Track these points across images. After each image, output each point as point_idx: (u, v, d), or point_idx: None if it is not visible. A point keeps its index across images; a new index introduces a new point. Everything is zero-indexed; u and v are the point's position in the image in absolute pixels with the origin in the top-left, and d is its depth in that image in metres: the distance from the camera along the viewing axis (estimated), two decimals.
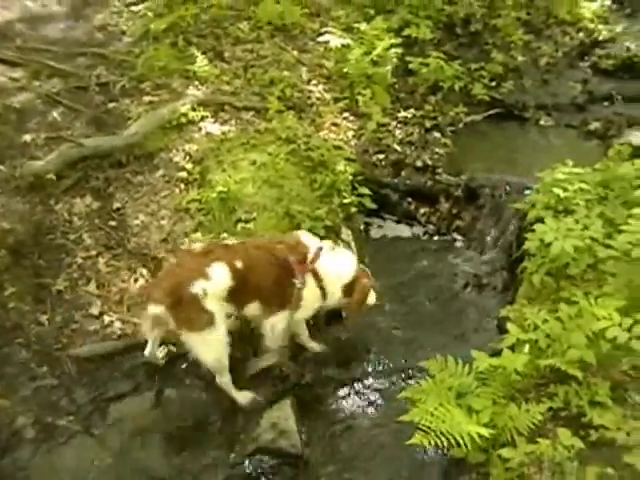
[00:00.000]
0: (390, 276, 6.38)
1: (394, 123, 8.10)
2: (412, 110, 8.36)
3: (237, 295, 4.77)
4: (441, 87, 8.80)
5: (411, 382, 5.15)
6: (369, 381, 5.31)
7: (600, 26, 11.54)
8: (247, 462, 4.63)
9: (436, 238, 7.25)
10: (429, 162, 7.72)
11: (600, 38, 11.36)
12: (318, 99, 7.73)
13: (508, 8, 10.52)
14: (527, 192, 6.45)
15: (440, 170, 7.66)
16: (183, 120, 6.65)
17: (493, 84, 9.32)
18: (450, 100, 8.86)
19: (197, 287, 4.55)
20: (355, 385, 5.27)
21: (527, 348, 4.53)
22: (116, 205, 6.16)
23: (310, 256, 4.99)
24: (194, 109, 6.78)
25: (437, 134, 8.31)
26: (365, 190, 6.65)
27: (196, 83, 7.28)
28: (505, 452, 4.09)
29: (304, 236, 5.18)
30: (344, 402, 5.14)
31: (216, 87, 7.37)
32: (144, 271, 5.66)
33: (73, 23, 8.72)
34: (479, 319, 5.96)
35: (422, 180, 7.52)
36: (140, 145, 6.53)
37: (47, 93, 7.20)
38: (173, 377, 5.18)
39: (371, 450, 4.73)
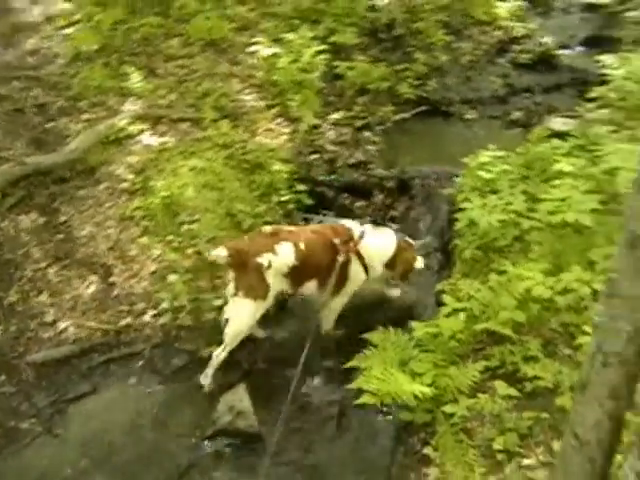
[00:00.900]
0: None
1: (326, 125, 8.46)
2: (342, 112, 8.74)
3: (297, 273, 5.22)
4: (369, 89, 9.20)
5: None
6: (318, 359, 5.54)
7: (516, 24, 12.08)
8: (208, 444, 4.82)
9: None
10: (362, 159, 8.09)
11: (516, 35, 11.88)
12: (251, 107, 8.04)
13: (428, 12, 10.98)
14: (455, 179, 6.83)
15: (373, 166, 8.03)
16: (122, 134, 6.90)
17: (418, 83, 9.73)
18: (378, 101, 9.24)
19: (264, 258, 5.02)
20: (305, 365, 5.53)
21: (463, 316, 4.89)
22: (62, 219, 6.35)
23: (354, 238, 5.44)
24: (132, 123, 7.02)
25: (368, 133, 8.68)
26: (302, 187, 6.97)
27: (132, 99, 7.54)
28: (448, 408, 4.43)
29: (349, 223, 5.65)
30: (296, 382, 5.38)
31: (152, 102, 7.63)
32: (94, 278, 5.88)
33: (3, 50, 8.90)
34: (419, 297, 6.27)
35: (356, 176, 7.85)
36: (81, 160, 6.76)
37: None
38: (130, 375, 5.34)
39: (324, 422, 4.99)
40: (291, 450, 4.81)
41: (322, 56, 8.52)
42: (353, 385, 4.54)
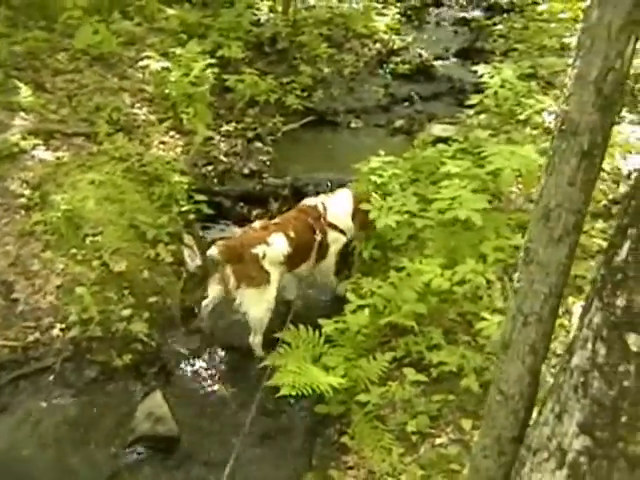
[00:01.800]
0: None
1: (218, 137, 8.61)
2: (233, 124, 8.93)
3: (292, 258, 5.72)
4: (257, 101, 9.42)
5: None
6: (232, 362, 5.74)
7: (394, 37, 12.61)
8: (128, 452, 4.84)
9: None
10: (255, 169, 8.30)
11: (395, 47, 12.41)
12: (144, 121, 8.08)
13: (310, 26, 11.34)
14: (347, 185, 7.08)
15: (266, 175, 8.26)
16: (15, 149, 6.79)
17: (305, 94, 10.04)
18: (267, 112, 9.49)
19: (258, 249, 5.47)
20: (217, 369, 5.67)
21: (367, 312, 5.15)
22: None
23: (322, 213, 6.02)
24: (25, 138, 6.94)
25: (259, 144, 8.90)
26: (201, 197, 7.07)
27: (22, 114, 7.43)
28: (362, 397, 4.67)
29: (308, 201, 6.27)
30: (212, 385, 5.52)
31: (43, 116, 7.55)
32: None
33: None
34: (322, 297, 6.52)
35: (251, 185, 8.06)
36: None
37: None
38: (41, 390, 5.25)
39: (241, 422, 5.10)
40: (210, 450, 4.91)
41: (211, 70, 8.65)
42: (271, 382, 4.71)
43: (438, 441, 4.38)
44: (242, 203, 7.86)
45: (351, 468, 4.40)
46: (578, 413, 2.07)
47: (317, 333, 5.16)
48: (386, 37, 12.56)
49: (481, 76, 7.83)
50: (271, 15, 11.81)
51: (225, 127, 8.80)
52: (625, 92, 4.89)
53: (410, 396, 4.65)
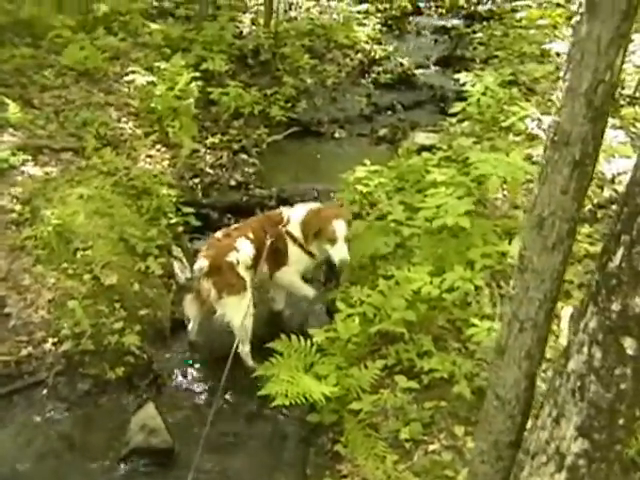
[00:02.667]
0: None
1: (204, 149, 8.67)
2: (219, 136, 8.98)
3: (255, 260, 5.72)
4: (242, 113, 9.50)
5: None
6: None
7: (375, 46, 12.74)
8: (122, 465, 4.83)
9: None
10: (241, 180, 8.38)
11: (376, 57, 12.54)
12: (131, 135, 8.11)
13: (292, 37, 11.43)
14: (333, 195, 7.16)
15: (252, 186, 8.32)
16: (4, 166, 6.80)
17: (288, 105, 10.13)
18: (252, 124, 9.57)
19: (232, 257, 5.53)
20: (208, 380, 5.68)
21: (357, 320, 5.20)
22: None
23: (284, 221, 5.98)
24: (14, 154, 6.95)
25: (244, 155, 8.98)
26: (189, 209, 7.12)
27: (10, 130, 7.44)
28: (354, 405, 4.69)
29: (283, 208, 6.29)
30: (204, 395, 5.56)
31: (32, 132, 7.56)
32: None
33: None
34: (311, 308, 6.55)
35: (237, 197, 8.11)
36: None
37: None
38: (35, 404, 5.23)
39: (234, 432, 5.15)
40: (205, 461, 4.91)
41: (195, 83, 8.69)
42: (263, 391, 4.75)
43: (431, 448, 4.41)
44: (229, 214, 7.90)
45: (345, 477, 4.41)
46: (576, 416, 2.13)
47: (308, 342, 5.19)
48: (367, 47, 12.70)
49: (463, 84, 7.92)
50: (253, 28, 11.93)
51: (210, 139, 8.84)
52: None
53: (402, 403, 4.68)
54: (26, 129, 7.58)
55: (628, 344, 1.95)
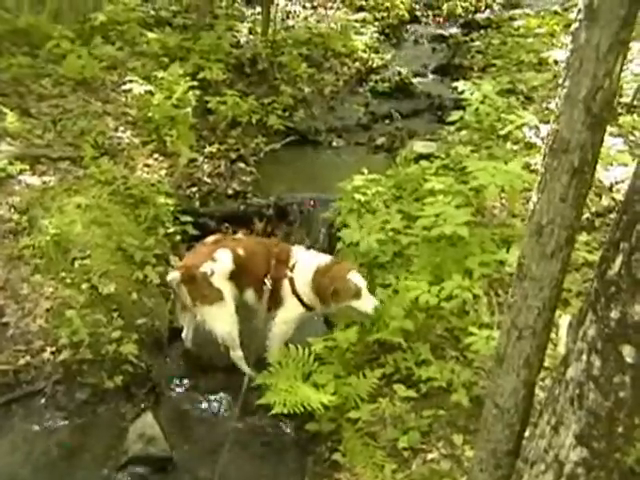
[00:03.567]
0: None
1: (202, 158, 8.64)
2: (216, 145, 8.97)
3: (237, 278, 5.52)
4: (239, 122, 9.49)
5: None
6: (220, 383, 5.74)
7: (372, 55, 12.79)
8: (121, 474, 4.82)
9: None
10: (238, 189, 8.37)
11: (374, 65, 12.60)
12: (128, 144, 8.10)
13: (289, 46, 11.45)
14: (331, 204, 7.16)
15: (250, 195, 8.32)
16: (2, 175, 6.79)
17: (286, 114, 10.15)
18: (249, 133, 9.58)
19: (206, 267, 5.37)
20: (206, 389, 5.70)
21: (355, 329, 5.19)
22: None
23: (291, 263, 5.56)
24: (11, 163, 6.95)
25: (242, 164, 8.97)
26: (187, 218, 7.12)
27: (8, 139, 7.44)
28: (352, 414, 4.70)
29: (297, 248, 5.82)
30: (202, 404, 5.56)
31: (29, 142, 7.56)
32: None
33: None
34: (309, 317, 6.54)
35: (235, 206, 8.10)
36: None
37: None
38: (33, 413, 5.23)
39: (232, 440, 5.15)
40: (203, 469, 4.90)
41: (193, 92, 8.69)
42: (262, 400, 4.75)
43: (430, 456, 4.41)
44: (227, 223, 7.88)
45: None
46: (574, 425, 2.12)
47: (307, 351, 5.19)
48: (365, 56, 12.74)
49: (461, 92, 7.92)
50: (251, 37, 11.95)
51: (208, 148, 8.84)
52: None
53: (400, 412, 4.70)
54: (24, 138, 7.58)
55: (627, 352, 1.95)
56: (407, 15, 15.73)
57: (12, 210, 6.53)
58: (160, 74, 8.86)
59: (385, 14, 15.22)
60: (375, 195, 6.57)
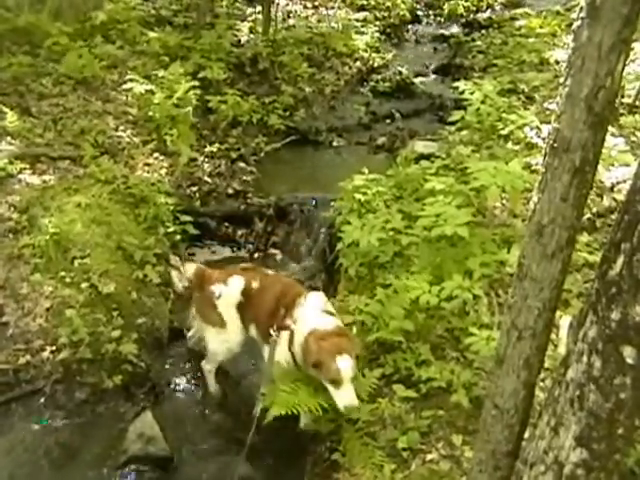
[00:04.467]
0: None
1: (202, 158, 8.63)
2: (217, 144, 8.95)
3: (244, 311, 5.22)
4: (240, 121, 9.49)
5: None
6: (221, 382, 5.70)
7: (373, 55, 12.76)
8: (121, 473, 4.85)
9: (256, 255, 7.80)
10: (239, 189, 8.36)
11: (375, 65, 12.58)
12: (128, 143, 8.09)
13: (290, 45, 11.44)
14: (332, 203, 7.15)
15: (250, 195, 8.31)
16: (2, 174, 6.78)
17: (287, 114, 10.13)
18: (250, 132, 9.57)
19: (216, 287, 5.23)
20: (205, 389, 5.66)
21: (355, 329, 5.20)
22: None
23: (295, 313, 4.86)
24: (11, 163, 6.94)
25: (242, 164, 8.96)
26: (187, 218, 7.11)
27: (8, 138, 7.43)
28: (352, 414, 4.70)
29: (313, 294, 5.08)
30: (202, 404, 5.58)
31: (29, 141, 7.55)
32: None
33: None
34: None
35: (235, 205, 8.11)
36: None
37: None
38: (33, 412, 5.24)
39: (232, 441, 5.12)
40: (203, 469, 4.94)
41: (194, 91, 8.68)
42: (262, 402, 4.73)
43: (429, 457, 4.39)
44: (227, 223, 7.93)
45: None
46: (574, 426, 2.11)
47: None
48: (366, 55, 12.71)
49: (462, 92, 7.92)
50: (251, 36, 11.92)
51: (209, 148, 8.82)
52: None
53: (400, 412, 4.68)
54: (24, 137, 7.57)
55: (628, 353, 1.93)
56: (408, 15, 15.69)
57: (12, 209, 6.53)
58: (161, 73, 8.86)
59: (386, 14, 15.17)
60: (376, 195, 6.57)
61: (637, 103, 7.99)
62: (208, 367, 5.53)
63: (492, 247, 5.55)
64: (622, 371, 1.97)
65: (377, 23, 14.44)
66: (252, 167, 8.97)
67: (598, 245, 5.77)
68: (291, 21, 13.35)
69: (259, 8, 12.44)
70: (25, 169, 7.05)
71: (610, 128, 7.45)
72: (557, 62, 10.08)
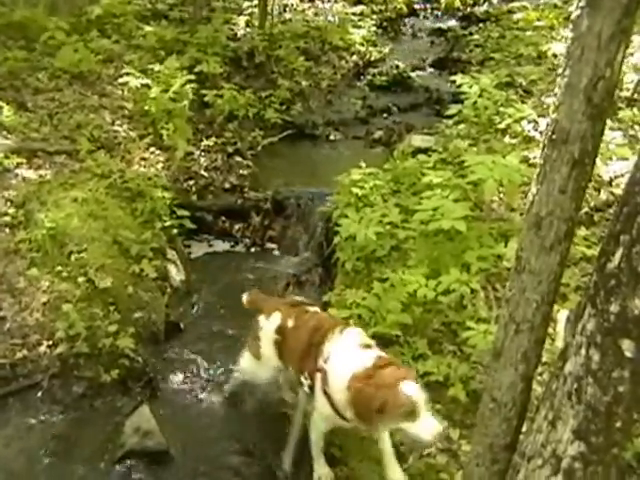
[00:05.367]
0: (216, 286, 6.95)
1: (198, 152, 8.63)
2: (213, 138, 8.92)
3: (280, 349, 4.65)
4: (236, 115, 9.44)
5: None
6: (218, 375, 5.75)
7: (370, 48, 12.75)
8: (118, 467, 4.82)
9: (253, 250, 7.81)
10: (236, 183, 8.35)
11: (372, 59, 12.57)
12: (125, 137, 8.07)
13: (287, 39, 11.41)
14: (328, 198, 7.15)
15: (247, 189, 8.30)
16: None
17: (283, 108, 10.09)
18: (246, 126, 9.53)
19: (262, 319, 4.78)
20: (202, 383, 5.69)
21: (353, 324, 5.17)
22: None
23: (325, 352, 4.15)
24: (7, 157, 6.92)
25: (239, 158, 8.94)
26: (183, 212, 7.09)
27: (4, 133, 7.41)
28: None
29: (345, 328, 4.29)
30: (198, 398, 5.54)
31: (25, 136, 7.53)
32: None
33: None
34: None
35: (232, 199, 8.12)
36: None
37: None
38: (30, 407, 5.22)
39: (229, 434, 5.15)
40: (200, 462, 4.91)
41: (190, 85, 8.65)
42: None
43: (426, 451, 4.40)
44: (224, 217, 7.93)
45: None
46: (572, 419, 2.10)
47: None
48: (363, 49, 12.70)
49: (459, 86, 7.91)
50: (248, 30, 11.87)
51: (205, 142, 8.81)
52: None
53: None
54: (20, 132, 7.55)
55: (626, 346, 1.92)
56: (405, 8, 15.68)
57: (8, 204, 6.52)
58: (157, 67, 8.83)
59: (383, 7, 15.17)
60: (373, 189, 6.57)
61: (635, 96, 7.97)
62: (228, 386, 5.41)
63: (489, 241, 5.55)
64: (620, 364, 1.96)
65: (374, 17, 14.41)
66: (249, 161, 8.94)
67: (596, 239, 5.76)
68: (287, 15, 13.30)
69: (255, 2, 12.39)
70: (21, 164, 7.04)
71: (608, 121, 7.46)
72: (555, 55, 10.05)
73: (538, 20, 12.29)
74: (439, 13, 16.33)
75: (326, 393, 4.01)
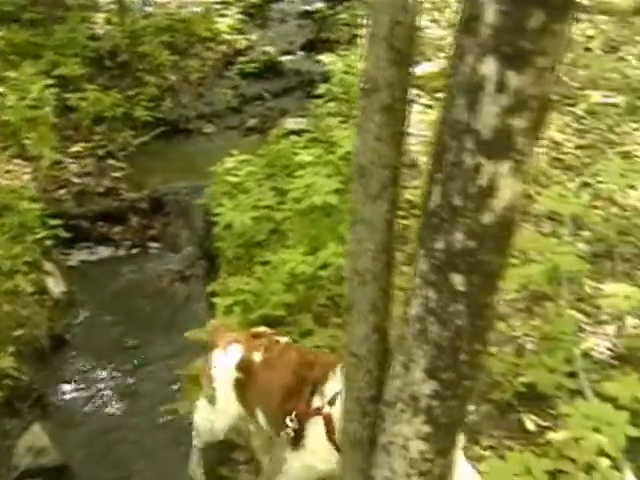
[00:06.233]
0: (100, 294, 6.83)
1: (67, 159, 8.42)
2: (82, 143, 8.75)
3: (244, 391, 3.79)
4: (104, 117, 9.24)
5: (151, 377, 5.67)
6: (110, 384, 5.68)
7: (237, 36, 12.63)
8: None
9: (134, 251, 7.66)
10: (110, 186, 8.20)
11: (240, 47, 12.45)
12: None
13: (150, 35, 11.19)
14: (206, 190, 7.10)
15: (122, 191, 8.15)
16: None
17: (153, 105, 9.92)
18: (116, 127, 9.32)
19: (215, 354, 3.92)
20: (93, 393, 5.60)
21: (238, 309, 5.17)
22: None
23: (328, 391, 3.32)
24: None
25: (111, 160, 8.77)
26: (56, 222, 6.89)
27: None
28: None
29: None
30: (89, 409, 5.47)
31: None
32: None
33: None
34: (192, 304, 6.52)
35: (108, 203, 7.96)
36: None
37: None
38: None
39: (125, 439, 5.08)
40: (102, 471, 4.85)
41: (51, 90, 8.41)
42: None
43: None
44: (101, 222, 7.75)
45: None
46: (422, 360, 2.14)
47: None
48: (230, 38, 12.55)
49: (327, 66, 7.98)
50: (108, 27, 11.53)
51: (73, 148, 8.62)
52: None
53: None
54: None
55: (457, 281, 1.96)
56: None
57: None
58: (12, 74, 8.51)
59: None
60: (247, 175, 6.55)
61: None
62: (194, 441, 4.27)
63: None
64: (455, 299, 1.99)
65: (239, 4, 14.24)
66: (122, 163, 8.77)
67: None
68: (149, 9, 12.96)
69: None
70: None
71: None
72: None
73: None
74: None
75: (332, 440, 3.25)
